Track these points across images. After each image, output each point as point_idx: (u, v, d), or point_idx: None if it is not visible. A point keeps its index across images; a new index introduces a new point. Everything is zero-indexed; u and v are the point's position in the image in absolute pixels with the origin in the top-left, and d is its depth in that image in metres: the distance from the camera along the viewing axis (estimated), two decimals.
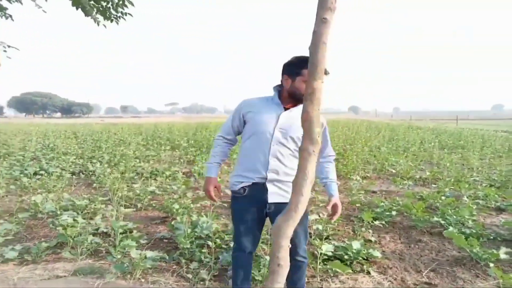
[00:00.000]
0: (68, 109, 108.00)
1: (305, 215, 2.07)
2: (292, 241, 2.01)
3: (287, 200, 1.94)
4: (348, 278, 2.62)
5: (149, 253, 2.68)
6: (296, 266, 2.09)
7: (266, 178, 1.95)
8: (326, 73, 1.91)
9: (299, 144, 1.99)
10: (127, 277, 2.59)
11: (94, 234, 3.45)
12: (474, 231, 3.43)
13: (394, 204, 4.23)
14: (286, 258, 1.69)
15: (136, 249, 2.82)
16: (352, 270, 2.76)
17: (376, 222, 3.59)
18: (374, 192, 5.45)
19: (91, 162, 7.72)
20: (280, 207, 1.93)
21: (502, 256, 2.86)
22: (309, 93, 1.64)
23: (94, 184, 5.64)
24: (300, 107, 1.97)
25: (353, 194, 4.93)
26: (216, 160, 2.13)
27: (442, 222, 3.62)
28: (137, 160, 8.28)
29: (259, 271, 2.54)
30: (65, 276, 2.57)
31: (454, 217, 3.70)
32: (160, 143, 12.14)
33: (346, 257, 2.84)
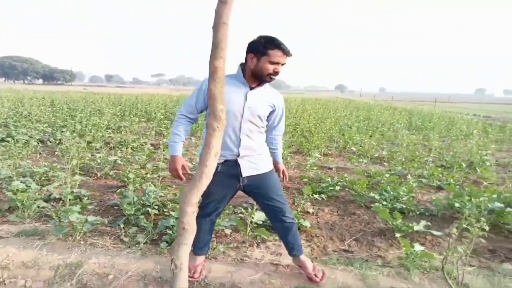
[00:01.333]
0: (50, 76, 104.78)
1: (278, 182, 2.29)
2: (275, 207, 2.22)
3: (259, 172, 2.15)
4: (273, 244, 2.86)
5: (90, 218, 2.86)
6: (286, 228, 2.28)
7: (238, 155, 2.08)
8: (289, 54, 2.01)
9: (264, 120, 2.15)
10: (68, 239, 2.77)
11: (47, 200, 3.60)
12: (405, 206, 3.72)
13: (341, 180, 4.48)
14: (191, 222, 1.88)
15: (82, 214, 3.00)
16: None
17: (316, 196, 3.84)
18: (330, 168, 5.71)
19: (61, 131, 7.74)
20: (253, 180, 2.14)
21: (420, 228, 3.14)
22: (211, 72, 1.77)
23: (56, 152, 5.72)
24: (264, 86, 2.12)
25: (306, 169, 5.18)
26: (181, 138, 2.14)
27: (377, 197, 3.89)
28: (109, 131, 8.34)
29: None
30: (7, 237, 2.73)
31: (391, 193, 3.97)
32: (136, 114, 12.13)
33: None
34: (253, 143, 2.11)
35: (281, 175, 2.47)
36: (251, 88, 2.07)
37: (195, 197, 1.85)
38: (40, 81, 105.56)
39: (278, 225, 2.30)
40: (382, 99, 39.50)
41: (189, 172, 2.19)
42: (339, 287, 2.24)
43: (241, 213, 3.29)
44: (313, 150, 6.47)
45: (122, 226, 2.90)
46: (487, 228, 1.71)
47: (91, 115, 11.11)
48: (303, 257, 2.35)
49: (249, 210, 2.93)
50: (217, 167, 2.07)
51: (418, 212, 3.70)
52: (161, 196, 3.57)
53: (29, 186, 3.52)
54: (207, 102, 2.04)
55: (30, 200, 3.19)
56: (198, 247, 2.35)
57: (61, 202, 3.57)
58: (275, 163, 2.42)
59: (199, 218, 2.24)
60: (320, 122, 10.17)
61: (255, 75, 2.03)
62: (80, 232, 2.78)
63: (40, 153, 5.99)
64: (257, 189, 2.20)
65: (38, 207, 3.22)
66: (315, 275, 2.28)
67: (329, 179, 4.45)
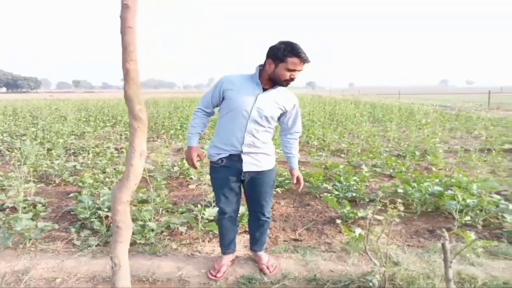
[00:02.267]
0: (13, 84, 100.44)
1: (273, 181, 2.37)
2: (259, 202, 2.32)
3: (259, 169, 2.23)
4: None
5: (40, 224, 2.86)
6: (260, 224, 2.40)
7: (242, 151, 2.15)
8: (306, 61, 2.04)
9: (272, 122, 2.20)
10: (18, 247, 2.76)
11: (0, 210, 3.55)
12: (355, 194, 3.91)
13: None
14: (124, 220, 1.93)
15: (35, 221, 2.98)
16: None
17: None
18: None
19: (21, 140, 7.53)
20: (253, 175, 2.23)
21: (369, 215, 3.32)
22: (124, 74, 1.83)
23: (12, 161, 5.59)
24: (277, 89, 2.17)
25: None
26: (196, 130, 2.28)
27: (329, 188, 4.07)
28: (72, 137, 8.19)
29: (142, 236, 2.81)
30: None
31: (344, 183, 4.15)
32: (102, 119, 11.92)
33: None
34: (256, 141, 2.16)
35: (295, 181, 2.43)
36: (264, 90, 2.12)
37: (125, 196, 1.89)
38: (4, 89, 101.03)
39: (253, 220, 2.43)
40: (350, 94, 40.43)
41: (204, 161, 2.29)
42: (282, 273, 2.36)
43: (192, 210, 3.37)
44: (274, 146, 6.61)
45: (73, 230, 2.91)
46: (402, 209, 1.87)
47: (54, 122, 10.83)
48: (261, 253, 2.50)
49: (199, 206, 3.01)
50: (222, 160, 2.20)
51: (367, 200, 3.90)
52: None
53: None
54: (221, 98, 2.18)
55: None
56: (224, 246, 2.45)
57: (14, 210, 3.52)
58: (290, 169, 2.43)
59: (218, 217, 2.38)
60: None
61: (271, 79, 2.09)
62: (29, 239, 2.77)
63: None
64: (253, 183, 2.28)
65: None
66: (267, 268, 2.40)
67: (286, 173, 4.60)
